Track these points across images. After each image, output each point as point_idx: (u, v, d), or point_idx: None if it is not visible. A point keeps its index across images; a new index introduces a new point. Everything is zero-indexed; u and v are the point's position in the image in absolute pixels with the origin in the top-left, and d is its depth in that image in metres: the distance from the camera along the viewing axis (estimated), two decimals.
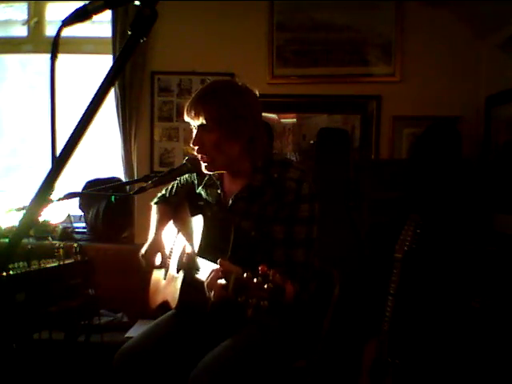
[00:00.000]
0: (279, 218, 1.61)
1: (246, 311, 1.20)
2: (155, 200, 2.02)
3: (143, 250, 1.82)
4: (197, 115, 1.59)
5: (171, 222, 1.96)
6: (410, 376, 2.11)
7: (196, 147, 1.63)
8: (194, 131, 1.65)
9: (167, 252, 1.89)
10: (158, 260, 1.83)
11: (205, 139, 1.60)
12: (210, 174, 1.73)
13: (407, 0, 3.18)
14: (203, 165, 1.64)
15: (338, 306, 1.92)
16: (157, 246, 1.84)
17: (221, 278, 1.31)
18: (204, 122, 1.58)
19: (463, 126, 3.10)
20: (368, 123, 3.26)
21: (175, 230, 1.93)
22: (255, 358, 1.57)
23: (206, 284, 1.41)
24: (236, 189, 1.69)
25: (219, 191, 1.73)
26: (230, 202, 1.69)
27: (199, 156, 1.64)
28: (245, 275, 1.24)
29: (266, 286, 1.19)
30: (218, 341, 1.61)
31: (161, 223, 1.92)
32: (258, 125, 1.65)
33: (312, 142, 3.25)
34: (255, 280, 1.20)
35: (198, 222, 1.74)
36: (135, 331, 2.66)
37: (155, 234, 1.88)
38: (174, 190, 1.96)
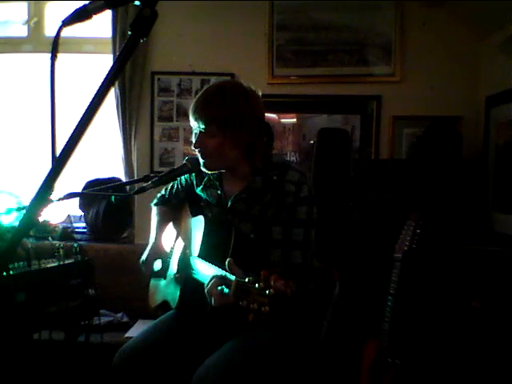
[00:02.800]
0: (278, 220, 1.61)
1: (247, 316, 1.21)
2: (154, 201, 2.01)
3: (143, 257, 1.82)
4: (201, 118, 1.57)
5: (172, 223, 1.96)
6: (410, 376, 2.11)
7: (197, 149, 1.63)
8: (194, 132, 1.64)
9: (168, 251, 1.90)
10: (157, 265, 1.84)
11: (207, 142, 1.60)
12: (208, 175, 1.73)
13: (407, 0, 3.18)
14: (201, 161, 1.64)
15: (338, 306, 1.92)
16: (157, 252, 1.84)
17: (221, 285, 1.31)
18: (208, 126, 1.57)
19: (463, 126, 3.11)
20: (368, 123, 3.26)
21: (176, 230, 1.93)
22: (260, 358, 1.57)
23: (206, 291, 1.41)
24: (235, 190, 1.68)
25: (219, 191, 1.73)
26: (230, 202, 1.69)
27: (199, 155, 1.64)
28: (246, 280, 1.24)
29: (267, 292, 1.19)
30: (218, 341, 1.61)
31: (161, 226, 1.92)
32: (261, 128, 1.65)
33: (312, 141, 3.24)
34: (257, 285, 1.20)
35: (199, 223, 1.73)
36: (135, 331, 2.66)
37: (155, 238, 1.88)
38: (173, 191, 1.95)
